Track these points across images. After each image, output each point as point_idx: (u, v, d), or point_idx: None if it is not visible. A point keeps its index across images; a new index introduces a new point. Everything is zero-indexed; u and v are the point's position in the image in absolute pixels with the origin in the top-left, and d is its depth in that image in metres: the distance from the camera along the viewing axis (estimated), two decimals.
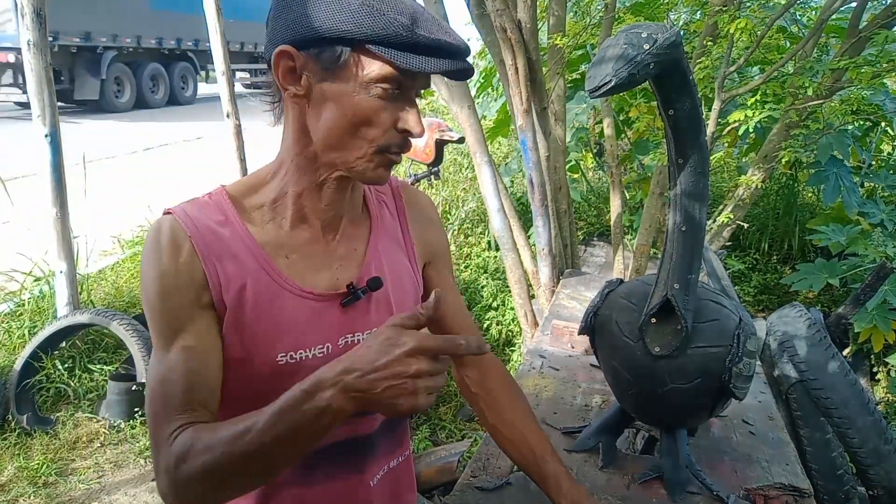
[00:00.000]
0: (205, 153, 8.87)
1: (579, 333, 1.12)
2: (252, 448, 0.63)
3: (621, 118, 4.08)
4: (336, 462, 0.87)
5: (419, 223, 0.96)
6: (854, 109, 2.68)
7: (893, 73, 2.31)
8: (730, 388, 0.93)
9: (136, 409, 2.80)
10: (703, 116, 0.88)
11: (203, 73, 15.11)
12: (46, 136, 2.92)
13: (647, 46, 0.75)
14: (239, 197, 0.82)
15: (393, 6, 0.71)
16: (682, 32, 0.78)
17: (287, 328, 0.79)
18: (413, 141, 0.80)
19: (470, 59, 0.76)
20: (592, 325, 1.08)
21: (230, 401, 0.79)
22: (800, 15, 3.46)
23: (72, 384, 2.96)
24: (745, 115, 2.55)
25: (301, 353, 0.80)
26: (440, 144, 3.27)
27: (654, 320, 0.96)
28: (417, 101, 0.78)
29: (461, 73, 0.75)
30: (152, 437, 0.72)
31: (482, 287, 3.87)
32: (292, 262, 0.81)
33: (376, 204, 0.92)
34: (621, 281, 1.12)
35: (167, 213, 0.79)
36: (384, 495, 0.93)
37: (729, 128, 2.82)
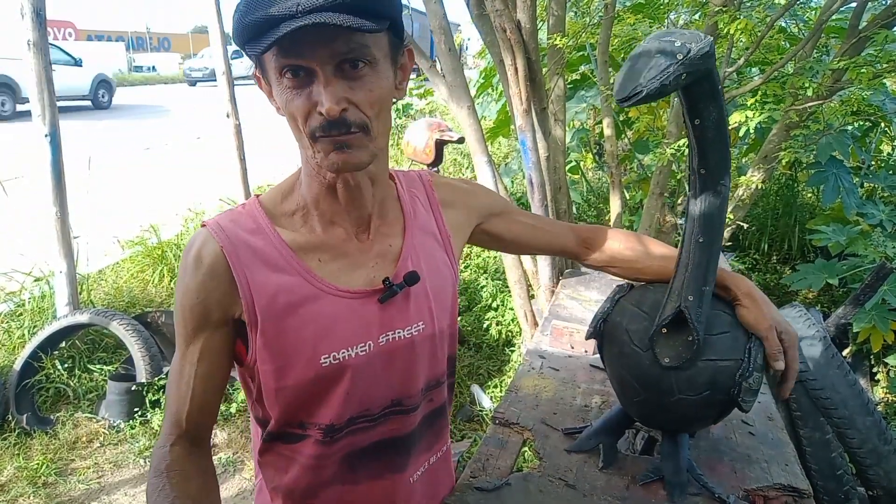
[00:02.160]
0: (205, 153, 8.87)
1: (587, 338, 1.11)
2: None
3: (621, 118, 4.08)
4: (379, 461, 0.89)
5: (454, 209, 0.97)
6: (854, 110, 2.68)
7: (893, 73, 2.31)
8: (738, 401, 0.93)
9: (135, 410, 2.80)
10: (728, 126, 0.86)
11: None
12: (46, 135, 2.92)
13: (680, 56, 0.71)
14: (271, 205, 0.84)
15: (243, 5, 0.70)
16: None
17: (327, 329, 0.80)
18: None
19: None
20: (601, 331, 1.07)
21: (280, 409, 0.82)
22: (800, 13, 3.45)
23: (71, 384, 2.96)
24: (746, 116, 2.55)
25: (344, 353, 0.81)
26: (440, 144, 3.25)
27: (664, 330, 0.95)
28: (358, 74, 0.71)
29: (325, 27, 0.65)
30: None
31: (482, 287, 3.87)
32: (326, 263, 0.82)
33: (409, 200, 0.92)
34: (631, 286, 1.10)
35: (203, 225, 0.82)
36: (424, 490, 0.96)
37: (728, 128, 2.82)
